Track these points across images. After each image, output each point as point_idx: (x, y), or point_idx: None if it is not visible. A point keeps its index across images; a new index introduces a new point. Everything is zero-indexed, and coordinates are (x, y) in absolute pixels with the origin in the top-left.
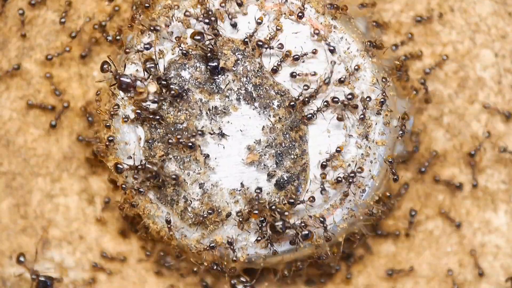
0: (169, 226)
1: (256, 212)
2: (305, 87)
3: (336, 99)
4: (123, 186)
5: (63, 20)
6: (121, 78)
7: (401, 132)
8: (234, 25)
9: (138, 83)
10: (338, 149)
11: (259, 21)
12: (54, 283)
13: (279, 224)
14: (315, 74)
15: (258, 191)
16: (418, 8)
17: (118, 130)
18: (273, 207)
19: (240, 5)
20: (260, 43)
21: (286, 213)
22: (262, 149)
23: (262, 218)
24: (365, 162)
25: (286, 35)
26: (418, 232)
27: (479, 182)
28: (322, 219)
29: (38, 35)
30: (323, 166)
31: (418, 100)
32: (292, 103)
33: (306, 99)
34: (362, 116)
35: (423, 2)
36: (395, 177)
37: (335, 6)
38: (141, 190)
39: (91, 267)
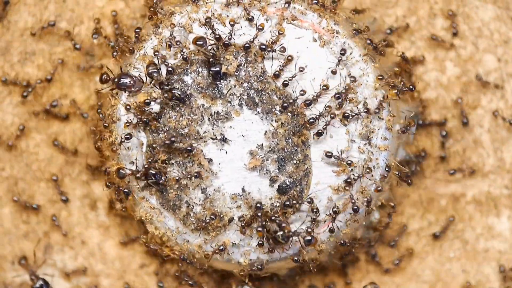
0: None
1: (260, 230)
2: (302, 92)
3: (347, 114)
4: (107, 184)
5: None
6: (120, 78)
7: (405, 128)
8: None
9: (137, 81)
10: (349, 161)
11: (260, 27)
12: None
13: (279, 234)
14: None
15: (259, 205)
16: (421, 13)
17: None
18: (273, 217)
19: (251, 20)
20: (263, 47)
21: (284, 224)
22: (265, 154)
23: (263, 223)
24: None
25: (289, 40)
26: (420, 237)
27: (481, 187)
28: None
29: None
30: (348, 183)
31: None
32: (285, 105)
33: (308, 101)
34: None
35: (425, 7)
36: (409, 180)
37: (321, 4)
38: (126, 190)
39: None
